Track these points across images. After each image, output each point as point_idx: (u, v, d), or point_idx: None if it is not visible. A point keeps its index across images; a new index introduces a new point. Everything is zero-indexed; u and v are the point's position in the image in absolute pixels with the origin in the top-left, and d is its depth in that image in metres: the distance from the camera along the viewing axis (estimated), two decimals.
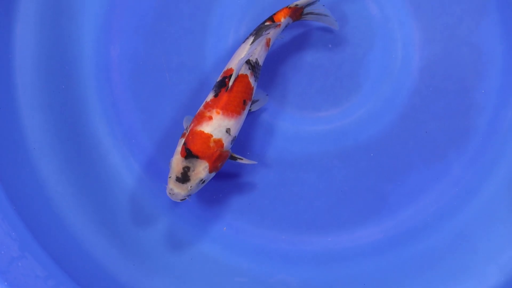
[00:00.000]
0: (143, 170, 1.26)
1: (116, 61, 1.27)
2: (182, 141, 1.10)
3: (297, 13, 1.20)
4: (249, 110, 1.17)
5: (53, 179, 1.25)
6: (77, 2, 1.27)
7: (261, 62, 1.17)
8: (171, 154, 1.25)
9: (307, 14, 1.22)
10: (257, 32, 1.15)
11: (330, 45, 1.27)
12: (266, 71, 1.26)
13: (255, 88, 1.16)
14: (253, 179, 1.25)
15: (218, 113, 1.10)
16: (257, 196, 1.25)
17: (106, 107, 1.27)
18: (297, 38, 1.27)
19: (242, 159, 1.16)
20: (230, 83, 1.10)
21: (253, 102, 1.19)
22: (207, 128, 1.09)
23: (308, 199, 1.25)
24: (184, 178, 1.09)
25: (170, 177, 1.10)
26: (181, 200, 1.10)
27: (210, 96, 1.13)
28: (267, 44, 1.17)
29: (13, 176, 1.23)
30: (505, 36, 1.26)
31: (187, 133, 1.11)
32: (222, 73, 1.15)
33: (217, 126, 1.10)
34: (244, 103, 1.13)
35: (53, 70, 1.26)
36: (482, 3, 1.27)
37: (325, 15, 1.22)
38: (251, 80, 1.14)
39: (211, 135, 1.09)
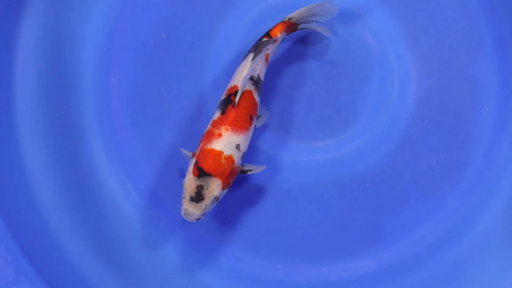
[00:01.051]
0: (141, 197, 1.27)
1: (116, 88, 1.29)
2: (193, 161, 1.11)
3: (291, 28, 1.22)
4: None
5: (51, 204, 1.25)
6: (78, 30, 1.29)
7: (262, 78, 1.19)
8: (169, 182, 1.27)
9: (302, 28, 1.24)
10: (256, 48, 1.17)
11: (328, 76, 1.28)
12: (264, 101, 1.27)
13: (259, 103, 1.17)
14: (250, 208, 1.26)
15: (227, 129, 1.11)
16: (253, 225, 1.26)
17: (105, 134, 1.28)
18: (295, 68, 1.28)
19: (251, 170, 1.16)
20: (237, 100, 1.11)
21: (256, 118, 1.20)
22: (217, 145, 1.10)
23: (304, 228, 1.26)
24: (198, 197, 1.09)
25: (184, 197, 1.10)
26: (196, 220, 1.10)
27: (217, 114, 1.14)
28: (267, 59, 1.19)
29: (10, 200, 1.24)
30: (501, 70, 1.28)
31: (197, 152, 1.11)
32: (226, 91, 1.16)
33: (227, 143, 1.11)
34: (251, 118, 1.14)
35: (53, 96, 1.28)
36: (478, 37, 1.28)
37: (318, 27, 1.25)
38: (255, 95, 1.16)
39: (222, 152, 1.10)
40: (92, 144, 1.27)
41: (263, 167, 1.18)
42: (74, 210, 1.25)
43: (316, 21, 1.23)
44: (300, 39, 1.29)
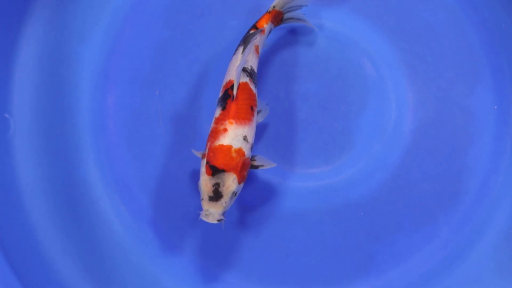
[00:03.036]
0: (133, 219, 1.26)
1: (112, 109, 1.29)
2: (204, 161, 1.09)
3: (277, 18, 1.23)
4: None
5: (43, 223, 1.25)
6: (76, 50, 1.29)
7: (255, 69, 1.18)
8: (162, 204, 1.26)
9: (288, 19, 1.24)
10: (245, 41, 1.17)
11: (324, 102, 1.28)
12: (259, 125, 1.27)
13: (256, 94, 1.17)
14: (242, 233, 1.25)
15: (232, 123, 1.10)
16: (245, 250, 1.25)
17: (100, 154, 1.28)
18: (292, 92, 1.28)
19: (262, 165, 1.15)
20: (234, 92, 1.11)
21: (257, 112, 1.19)
22: (225, 140, 1.09)
23: (296, 255, 1.25)
24: (216, 195, 1.07)
25: (202, 199, 1.08)
26: (218, 221, 1.08)
27: (218, 111, 1.13)
28: (257, 51, 1.19)
29: (2, 218, 1.23)
30: (498, 102, 1.28)
31: (205, 153, 1.10)
32: (222, 88, 1.16)
33: (234, 136, 1.10)
34: (252, 109, 1.14)
35: (50, 115, 1.28)
36: (476, 68, 1.28)
37: (304, 21, 1.26)
38: (252, 86, 1.15)
39: (231, 146, 1.09)
40: (86, 164, 1.27)
41: (274, 164, 1.15)
42: (67, 229, 1.25)
43: (301, 6, 1.23)
44: (298, 64, 1.29)
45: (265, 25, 1.20)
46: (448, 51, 1.29)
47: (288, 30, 1.30)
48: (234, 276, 1.25)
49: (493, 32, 1.29)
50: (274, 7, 1.21)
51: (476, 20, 1.30)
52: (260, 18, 1.21)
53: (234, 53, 1.17)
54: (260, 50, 1.20)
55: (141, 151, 1.28)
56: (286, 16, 1.24)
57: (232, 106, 1.11)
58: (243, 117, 1.11)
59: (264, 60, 1.29)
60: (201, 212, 1.08)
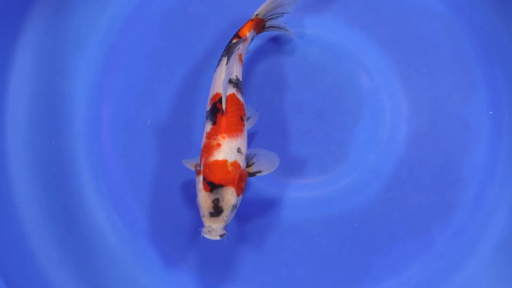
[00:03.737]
0: (127, 229, 1.26)
1: (106, 119, 1.29)
2: (200, 177, 1.09)
3: (259, 26, 1.23)
4: None
5: (37, 233, 1.25)
6: (71, 60, 1.29)
7: (240, 78, 1.18)
8: (156, 215, 1.26)
9: (269, 27, 1.24)
10: (228, 51, 1.16)
11: (319, 112, 1.28)
12: (254, 135, 1.27)
13: (244, 103, 1.17)
14: (236, 244, 1.25)
15: (224, 137, 1.10)
16: (239, 261, 1.25)
17: (94, 165, 1.28)
18: (286, 103, 1.29)
19: (260, 171, 1.14)
20: (223, 106, 1.10)
21: (246, 119, 1.19)
22: (219, 155, 1.09)
23: (290, 266, 1.25)
24: (217, 210, 1.07)
25: (203, 215, 1.07)
26: (220, 236, 1.07)
27: (208, 126, 1.12)
28: (240, 59, 1.19)
29: None
30: (492, 112, 1.28)
31: (201, 169, 1.10)
32: (209, 101, 1.15)
33: (228, 150, 1.09)
34: (242, 119, 1.14)
35: (44, 125, 1.28)
36: (470, 79, 1.28)
37: (285, 30, 1.26)
38: (239, 96, 1.15)
39: (226, 160, 1.09)
40: (80, 174, 1.27)
41: (274, 168, 1.14)
42: (61, 240, 1.25)
43: (283, 13, 1.23)
44: (293, 74, 1.29)
45: (248, 33, 1.20)
46: (443, 61, 1.29)
47: (282, 41, 1.30)
48: (227, 286, 1.25)
49: (487, 42, 1.30)
50: (257, 15, 1.21)
51: (470, 30, 1.30)
52: (243, 26, 1.21)
53: (218, 64, 1.17)
54: (243, 58, 1.20)
55: (136, 162, 1.28)
56: (268, 24, 1.24)
57: (223, 120, 1.11)
58: (235, 130, 1.11)
59: (258, 70, 1.29)
60: (202, 229, 1.08)
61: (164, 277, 1.25)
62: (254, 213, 1.26)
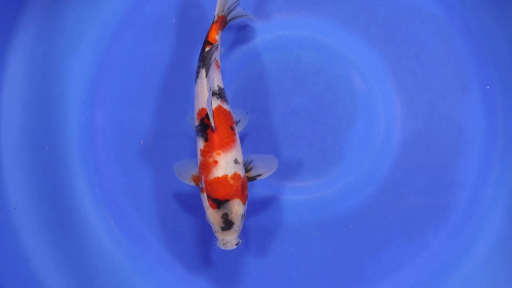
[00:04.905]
0: (123, 234, 1.26)
1: (100, 124, 1.29)
2: (204, 195, 1.10)
3: (223, 23, 1.22)
4: None
5: (32, 240, 1.25)
6: (64, 65, 1.29)
7: (222, 85, 1.18)
8: (152, 219, 1.26)
9: (231, 19, 1.24)
10: (204, 62, 1.15)
11: (314, 116, 1.28)
12: (248, 140, 1.27)
13: (231, 110, 1.17)
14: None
15: (219, 154, 1.10)
16: (235, 265, 1.25)
17: (89, 170, 1.28)
18: (280, 107, 1.28)
19: (260, 174, 1.15)
20: (212, 124, 1.10)
21: (236, 123, 1.19)
22: (219, 172, 1.09)
23: (285, 269, 1.25)
24: (228, 224, 1.09)
25: (216, 231, 1.10)
26: (236, 245, 1.10)
27: (201, 143, 1.12)
28: (218, 66, 1.18)
29: None
30: (487, 115, 1.28)
31: (203, 187, 1.10)
32: (196, 116, 1.14)
33: (226, 165, 1.10)
34: (232, 129, 1.14)
35: (37, 131, 1.27)
36: (465, 81, 1.29)
37: (245, 15, 1.25)
38: (225, 106, 1.15)
39: (226, 175, 1.09)
40: (75, 180, 1.27)
41: (274, 169, 1.15)
42: (56, 246, 1.25)
43: (237, 2, 1.22)
44: (287, 78, 1.29)
45: (217, 36, 1.19)
46: (437, 63, 1.29)
47: (275, 44, 1.30)
48: None
49: (481, 43, 1.29)
50: (218, 14, 1.20)
51: (465, 32, 1.30)
52: (210, 31, 1.19)
53: (198, 77, 1.15)
54: (219, 62, 1.19)
55: (130, 167, 1.27)
56: (229, 17, 1.23)
57: (214, 137, 1.10)
58: (227, 142, 1.11)
59: (252, 74, 1.29)
60: (217, 242, 1.11)
61: (160, 281, 1.25)
62: (249, 216, 1.26)
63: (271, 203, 1.27)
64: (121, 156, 1.28)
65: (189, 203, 1.26)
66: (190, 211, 1.26)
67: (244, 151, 1.25)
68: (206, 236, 1.26)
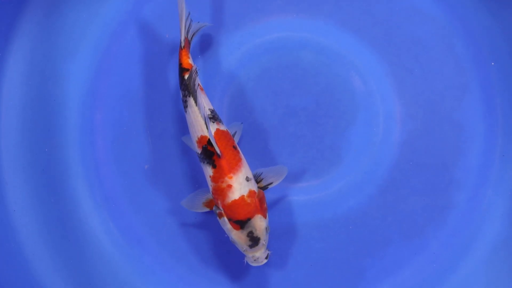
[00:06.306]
0: (122, 236, 1.26)
1: (100, 125, 1.29)
2: (225, 219, 1.11)
3: (188, 44, 1.21)
4: None
5: (31, 241, 1.25)
6: (64, 66, 1.29)
7: (211, 107, 1.18)
8: (151, 221, 1.26)
9: (192, 37, 1.23)
10: (189, 90, 1.14)
11: (313, 117, 1.28)
12: (248, 140, 1.27)
13: (228, 129, 1.17)
14: (230, 248, 1.25)
15: (231, 177, 1.11)
16: (234, 266, 1.25)
17: (88, 171, 1.28)
18: (280, 107, 1.28)
19: (271, 183, 1.17)
20: (218, 150, 1.11)
21: (232, 136, 1.20)
22: (234, 195, 1.11)
23: (284, 270, 1.25)
24: (254, 241, 1.11)
25: (244, 250, 1.12)
26: (266, 259, 1.13)
27: (208, 170, 1.12)
28: (201, 89, 1.18)
29: None
30: (487, 115, 1.28)
31: (222, 212, 1.12)
32: (196, 144, 1.14)
33: (239, 185, 1.11)
34: (235, 147, 1.15)
35: (37, 133, 1.28)
36: (465, 81, 1.28)
37: (203, 25, 1.25)
38: (222, 127, 1.16)
39: (243, 195, 1.11)
40: (74, 182, 1.27)
41: (283, 175, 1.18)
42: (55, 247, 1.25)
43: (190, 18, 1.22)
44: (286, 78, 1.29)
45: (190, 60, 1.19)
46: (436, 63, 1.29)
47: (275, 45, 1.30)
48: None
49: (481, 43, 1.29)
50: (183, 39, 1.20)
51: (463, 32, 1.30)
52: (182, 57, 1.18)
53: (186, 106, 1.14)
54: (201, 86, 1.19)
55: (130, 168, 1.28)
56: (189, 36, 1.23)
57: (222, 163, 1.11)
58: (235, 163, 1.12)
59: (252, 75, 1.29)
60: (246, 259, 1.13)
61: (160, 282, 1.25)
62: None
63: (271, 204, 1.27)
64: (120, 157, 1.28)
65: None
66: (189, 212, 1.26)
67: (244, 152, 1.25)
68: (205, 237, 1.25)
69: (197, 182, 1.26)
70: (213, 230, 1.25)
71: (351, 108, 1.29)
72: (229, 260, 1.26)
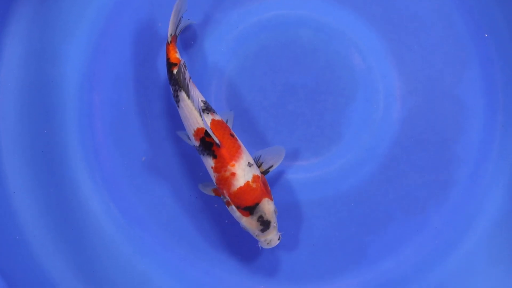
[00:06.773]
0: (123, 217, 1.26)
1: (98, 107, 1.28)
2: (233, 207, 1.12)
3: (175, 40, 1.21)
4: None
5: (32, 223, 1.24)
6: (61, 48, 1.28)
7: (203, 98, 1.19)
8: (151, 201, 1.26)
9: (179, 33, 1.23)
10: (179, 84, 1.14)
11: (312, 94, 1.28)
12: (247, 119, 1.26)
13: (221, 117, 1.18)
14: (232, 228, 1.25)
15: (233, 165, 1.12)
16: (235, 244, 1.25)
17: (87, 152, 1.27)
18: (279, 85, 1.28)
19: (271, 166, 1.18)
20: (216, 140, 1.11)
21: (227, 121, 1.20)
22: (239, 182, 1.11)
23: (286, 248, 1.25)
24: (265, 225, 1.12)
25: (256, 235, 1.13)
26: (278, 240, 1.14)
27: (209, 161, 1.13)
28: (192, 82, 1.17)
29: None
30: (487, 90, 1.27)
31: (229, 200, 1.13)
32: (193, 137, 1.14)
33: (243, 172, 1.12)
34: (232, 135, 1.15)
35: (35, 115, 1.27)
36: (464, 57, 1.28)
37: (189, 23, 1.26)
38: (216, 117, 1.16)
39: (247, 181, 1.12)
40: (74, 163, 1.27)
41: (282, 157, 1.19)
42: (56, 229, 1.25)
43: (181, 17, 1.22)
44: (285, 56, 1.28)
45: (177, 54, 1.19)
46: (436, 40, 1.28)
47: (273, 23, 1.29)
48: (223, 270, 1.25)
49: (480, 20, 1.28)
50: (171, 35, 1.20)
51: (463, 8, 1.29)
52: (169, 53, 1.19)
53: (179, 100, 1.14)
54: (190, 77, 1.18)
55: (129, 149, 1.27)
56: (177, 32, 1.23)
57: (223, 152, 1.12)
58: (235, 151, 1.13)
59: (250, 53, 1.28)
60: (260, 244, 1.14)
61: (161, 262, 1.24)
62: None
63: (271, 183, 1.26)
64: (119, 139, 1.27)
65: (188, 184, 1.26)
66: (189, 193, 1.25)
67: (243, 130, 1.25)
68: (205, 217, 1.25)
69: (197, 164, 1.26)
70: (213, 210, 1.25)
71: (351, 85, 1.28)
72: (230, 240, 1.25)
